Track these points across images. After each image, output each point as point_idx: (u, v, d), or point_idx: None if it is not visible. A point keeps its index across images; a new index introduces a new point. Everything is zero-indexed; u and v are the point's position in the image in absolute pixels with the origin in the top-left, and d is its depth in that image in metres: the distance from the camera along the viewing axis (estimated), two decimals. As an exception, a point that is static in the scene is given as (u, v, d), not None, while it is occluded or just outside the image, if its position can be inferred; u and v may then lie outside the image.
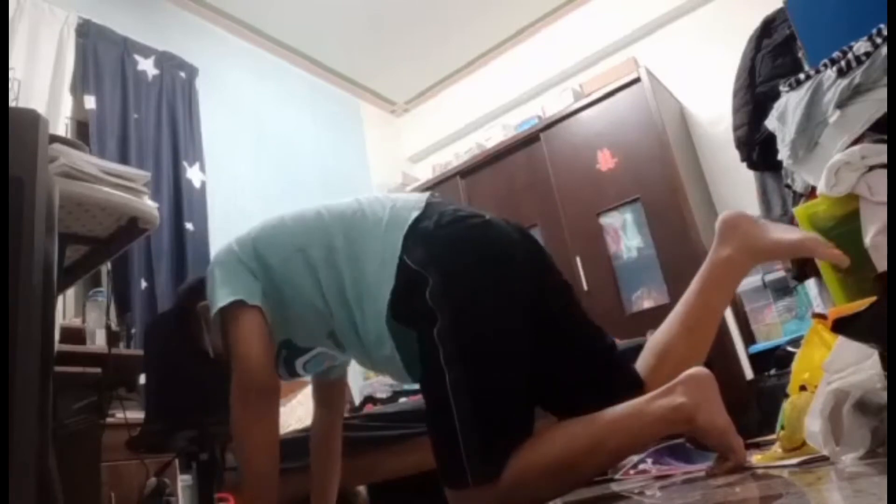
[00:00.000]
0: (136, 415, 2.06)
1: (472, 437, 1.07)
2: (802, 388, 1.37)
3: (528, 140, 4.13)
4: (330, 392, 1.59)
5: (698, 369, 1.21)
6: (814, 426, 1.15)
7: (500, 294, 1.17)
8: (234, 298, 1.21)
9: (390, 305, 1.18)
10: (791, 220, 1.85)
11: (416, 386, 1.26)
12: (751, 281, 3.23)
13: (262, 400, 1.20)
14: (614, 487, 1.52)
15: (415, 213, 1.25)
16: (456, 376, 1.10)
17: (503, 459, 1.06)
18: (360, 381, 3.71)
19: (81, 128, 3.22)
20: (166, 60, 3.64)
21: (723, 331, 3.15)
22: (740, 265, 1.37)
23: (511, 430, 1.10)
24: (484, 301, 1.16)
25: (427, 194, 1.34)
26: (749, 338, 3.19)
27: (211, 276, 1.30)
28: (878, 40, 1.51)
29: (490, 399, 1.10)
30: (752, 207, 2.89)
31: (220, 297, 1.22)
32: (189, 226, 3.34)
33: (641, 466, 1.64)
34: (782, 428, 1.41)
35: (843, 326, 1.11)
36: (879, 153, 1.37)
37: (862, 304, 1.10)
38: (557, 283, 1.33)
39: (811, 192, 1.71)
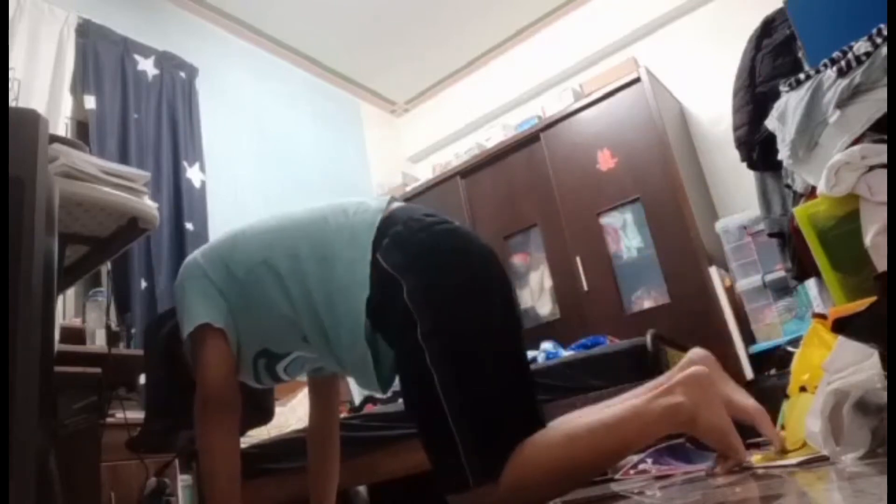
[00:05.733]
0: (136, 415, 2.05)
1: (469, 436, 1.06)
2: (802, 388, 1.37)
3: (528, 140, 4.12)
4: (323, 388, 1.60)
5: (698, 369, 1.21)
6: (814, 426, 1.15)
7: (481, 295, 1.18)
8: (201, 322, 1.27)
9: (368, 310, 1.19)
10: (791, 220, 1.85)
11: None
12: (751, 281, 3.23)
13: (223, 413, 1.26)
14: (614, 487, 1.51)
15: (380, 217, 1.25)
16: (445, 377, 1.09)
17: (504, 456, 1.05)
18: (361, 381, 3.69)
19: (81, 128, 3.21)
20: (166, 60, 3.64)
21: (723, 331, 3.15)
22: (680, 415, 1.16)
23: (509, 426, 1.09)
24: (466, 301, 1.16)
25: (388, 198, 1.33)
26: (749, 338, 3.19)
27: (180, 293, 1.34)
28: (878, 40, 1.51)
29: (483, 396, 1.10)
30: (752, 207, 2.90)
31: (189, 320, 1.28)
32: (189, 226, 3.34)
33: (641, 466, 1.64)
34: (782, 428, 1.41)
35: (843, 326, 1.11)
36: (879, 153, 1.37)
37: (862, 304, 1.10)
38: (513, 293, 1.33)
39: (811, 192, 1.71)
